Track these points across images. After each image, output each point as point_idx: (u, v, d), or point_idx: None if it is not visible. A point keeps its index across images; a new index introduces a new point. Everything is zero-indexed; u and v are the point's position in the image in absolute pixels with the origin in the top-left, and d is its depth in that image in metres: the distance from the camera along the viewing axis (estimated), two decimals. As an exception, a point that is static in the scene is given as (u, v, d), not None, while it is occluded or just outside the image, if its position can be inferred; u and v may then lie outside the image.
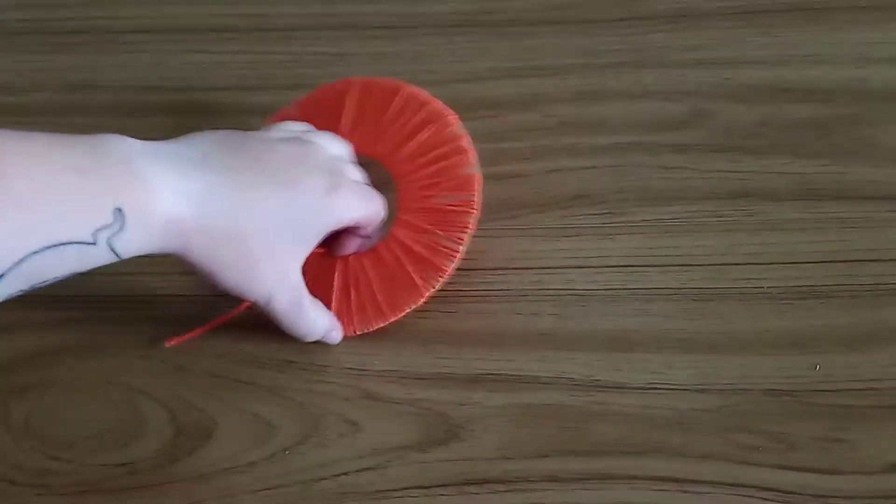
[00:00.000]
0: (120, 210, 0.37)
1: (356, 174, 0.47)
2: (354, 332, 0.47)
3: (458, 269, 0.49)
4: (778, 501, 0.43)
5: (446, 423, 0.45)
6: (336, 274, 0.47)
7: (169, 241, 0.40)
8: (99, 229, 0.37)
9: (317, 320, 0.46)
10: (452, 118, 0.49)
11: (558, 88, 0.53)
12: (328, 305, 0.47)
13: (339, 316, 0.47)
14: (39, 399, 0.47)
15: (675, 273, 0.48)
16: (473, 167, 0.48)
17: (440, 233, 0.47)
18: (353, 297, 0.47)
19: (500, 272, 0.48)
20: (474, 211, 0.47)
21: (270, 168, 0.42)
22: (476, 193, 0.47)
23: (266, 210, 0.42)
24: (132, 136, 0.53)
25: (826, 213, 0.49)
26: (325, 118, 0.49)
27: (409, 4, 0.56)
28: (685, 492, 0.43)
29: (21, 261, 0.35)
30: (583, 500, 0.43)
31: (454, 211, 0.47)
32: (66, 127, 0.53)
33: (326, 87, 0.51)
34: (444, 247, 0.46)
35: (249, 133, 0.45)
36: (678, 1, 0.56)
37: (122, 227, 0.38)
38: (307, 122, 0.49)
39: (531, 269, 0.49)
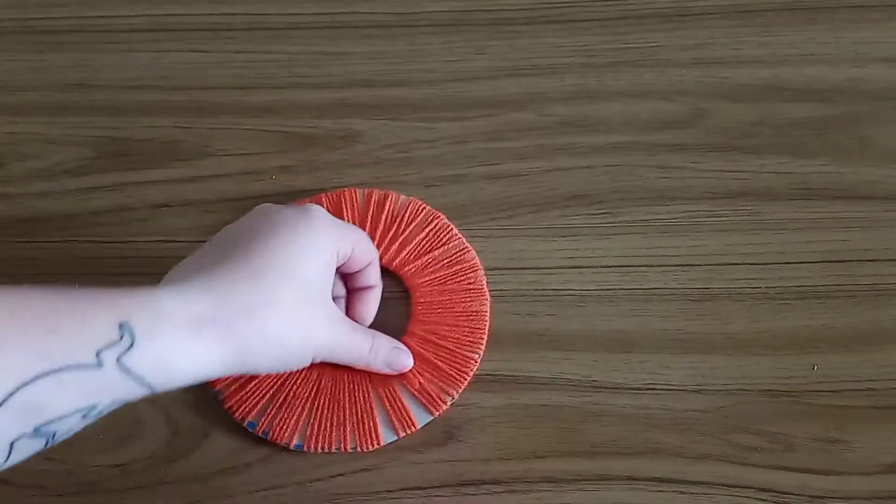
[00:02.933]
0: (126, 324, 0.33)
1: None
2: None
3: (455, 269, 0.49)
4: (776, 502, 0.43)
5: (443, 423, 0.45)
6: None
7: (213, 344, 0.35)
8: (102, 348, 0.32)
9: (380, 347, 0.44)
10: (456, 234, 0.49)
11: (556, 88, 0.53)
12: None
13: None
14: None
15: (673, 273, 0.48)
16: (486, 300, 0.47)
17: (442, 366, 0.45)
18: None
19: (497, 272, 0.48)
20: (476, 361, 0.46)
21: (253, 231, 0.40)
22: (482, 341, 0.46)
23: (273, 259, 0.38)
24: (126, 134, 0.53)
25: (824, 213, 0.49)
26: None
27: (406, 4, 0.56)
28: (682, 493, 0.43)
29: (9, 395, 0.30)
30: (580, 500, 0.43)
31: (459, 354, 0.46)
32: (62, 126, 0.53)
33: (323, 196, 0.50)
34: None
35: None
36: (676, 0, 0.55)
37: (133, 343, 0.33)
38: None
39: (528, 269, 0.48)
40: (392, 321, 0.47)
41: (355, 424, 0.44)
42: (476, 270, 0.48)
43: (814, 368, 0.46)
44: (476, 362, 0.46)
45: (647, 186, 0.50)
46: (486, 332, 0.46)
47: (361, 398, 0.45)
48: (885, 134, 0.51)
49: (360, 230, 0.45)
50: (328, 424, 0.44)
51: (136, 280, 0.42)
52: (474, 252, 0.48)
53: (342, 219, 0.48)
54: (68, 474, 0.44)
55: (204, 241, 0.42)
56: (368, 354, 0.44)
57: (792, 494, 0.43)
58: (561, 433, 0.44)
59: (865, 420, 0.44)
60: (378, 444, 0.44)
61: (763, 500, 0.43)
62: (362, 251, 0.44)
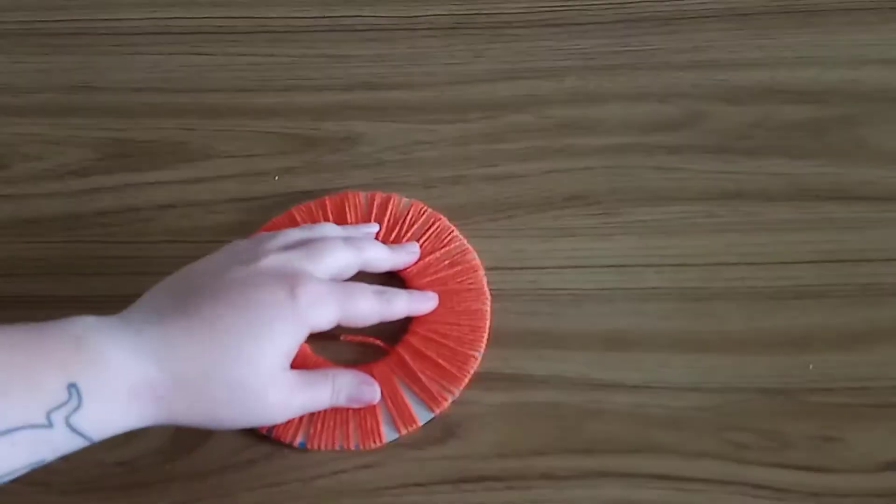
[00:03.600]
0: (74, 385, 0.34)
1: (333, 264, 0.43)
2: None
3: (455, 269, 0.49)
4: (772, 499, 0.43)
5: (443, 420, 0.45)
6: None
7: (145, 409, 0.37)
8: (53, 409, 0.34)
9: (338, 392, 0.44)
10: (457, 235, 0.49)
11: (554, 90, 0.54)
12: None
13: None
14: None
15: (670, 273, 0.48)
16: (486, 300, 0.47)
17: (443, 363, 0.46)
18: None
19: (496, 272, 0.49)
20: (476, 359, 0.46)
21: (223, 297, 0.39)
22: (482, 341, 0.46)
23: (235, 343, 0.38)
24: (130, 136, 0.54)
25: (820, 214, 0.50)
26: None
27: (406, 7, 0.57)
28: (679, 490, 0.43)
29: None
30: (578, 497, 0.43)
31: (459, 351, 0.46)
32: (66, 127, 0.54)
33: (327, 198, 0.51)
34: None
35: (199, 265, 0.42)
36: (673, 3, 0.56)
37: (80, 404, 0.34)
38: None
39: (527, 268, 0.49)
40: (395, 321, 0.47)
41: (358, 423, 0.44)
42: (476, 271, 0.48)
43: (810, 367, 0.46)
44: (477, 360, 0.46)
45: (645, 187, 0.51)
46: (487, 330, 0.47)
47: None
48: (880, 135, 0.52)
49: (360, 290, 0.43)
50: (331, 423, 0.45)
51: (140, 280, 0.43)
52: (475, 253, 0.49)
53: (345, 221, 0.49)
54: (72, 472, 0.45)
55: (208, 244, 0.42)
56: (330, 400, 0.43)
57: (788, 492, 0.43)
58: (559, 431, 0.44)
59: (861, 418, 0.45)
60: (381, 443, 0.44)
61: (759, 497, 0.43)
62: (359, 313, 0.43)
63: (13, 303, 0.49)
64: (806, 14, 0.55)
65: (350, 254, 0.44)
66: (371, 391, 0.44)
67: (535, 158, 0.52)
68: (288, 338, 0.40)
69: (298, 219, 0.50)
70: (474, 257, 0.49)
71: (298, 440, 0.44)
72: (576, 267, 0.49)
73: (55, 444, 0.35)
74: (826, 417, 0.45)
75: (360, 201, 0.50)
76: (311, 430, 0.44)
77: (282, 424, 0.44)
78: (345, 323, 0.43)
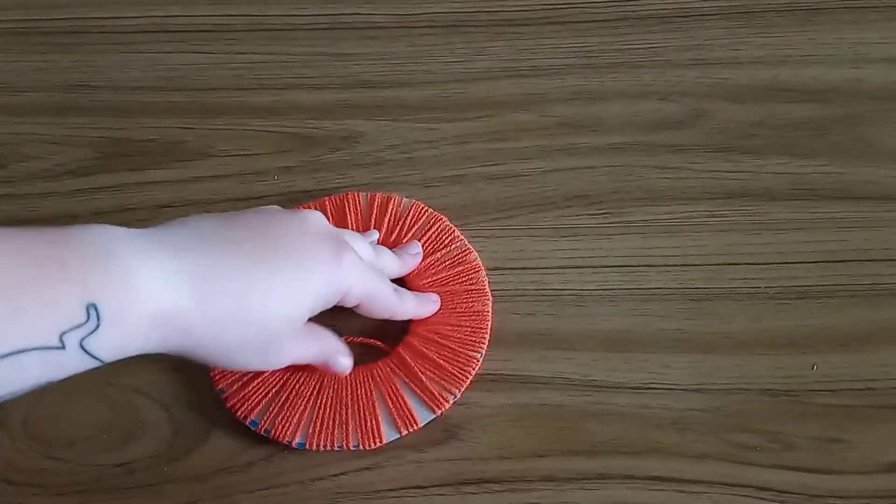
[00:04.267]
0: (94, 306, 0.32)
1: (363, 252, 0.43)
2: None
3: (456, 269, 0.49)
4: (775, 501, 0.43)
5: (444, 422, 0.45)
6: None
7: (167, 338, 0.35)
8: (67, 330, 0.31)
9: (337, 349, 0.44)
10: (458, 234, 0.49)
11: (556, 88, 0.54)
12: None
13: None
14: (37, 399, 0.47)
15: (673, 273, 0.48)
16: (487, 301, 0.47)
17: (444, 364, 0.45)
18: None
19: (497, 272, 0.48)
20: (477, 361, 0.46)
21: (273, 238, 0.38)
22: (484, 339, 0.46)
23: (278, 284, 0.37)
24: (128, 135, 0.54)
25: (823, 213, 0.49)
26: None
27: (407, 5, 0.57)
28: (682, 491, 0.43)
29: None
30: (580, 499, 0.43)
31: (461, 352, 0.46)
32: (65, 127, 0.54)
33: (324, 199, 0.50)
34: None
35: (245, 211, 0.41)
36: (676, 1, 0.56)
37: (98, 327, 0.32)
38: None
39: (529, 269, 0.49)
40: (396, 321, 0.47)
41: (358, 422, 0.44)
42: (478, 271, 0.48)
43: (813, 368, 0.46)
44: (478, 361, 0.46)
45: (647, 187, 0.50)
46: (488, 331, 0.47)
47: (364, 396, 0.45)
48: (884, 134, 0.51)
49: (384, 278, 0.44)
50: (330, 423, 0.44)
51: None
52: (476, 254, 0.49)
53: (346, 223, 0.49)
54: (70, 473, 0.45)
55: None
56: (317, 357, 0.43)
57: (791, 493, 0.43)
58: (561, 432, 0.44)
59: (864, 419, 0.44)
60: (380, 443, 0.44)
61: (762, 499, 0.43)
62: (378, 300, 0.43)
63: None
64: (809, 12, 0.54)
65: (372, 253, 0.45)
66: (345, 362, 0.44)
67: (537, 158, 0.52)
68: (322, 296, 0.39)
69: None
70: (476, 258, 0.48)
71: (297, 440, 0.44)
72: (578, 267, 0.48)
73: (65, 365, 0.32)
74: (829, 418, 0.44)
75: (360, 202, 0.50)
76: (311, 430, 0.44)
77: (280, 425, 0.44)
78: (362, 306, 0.43)
